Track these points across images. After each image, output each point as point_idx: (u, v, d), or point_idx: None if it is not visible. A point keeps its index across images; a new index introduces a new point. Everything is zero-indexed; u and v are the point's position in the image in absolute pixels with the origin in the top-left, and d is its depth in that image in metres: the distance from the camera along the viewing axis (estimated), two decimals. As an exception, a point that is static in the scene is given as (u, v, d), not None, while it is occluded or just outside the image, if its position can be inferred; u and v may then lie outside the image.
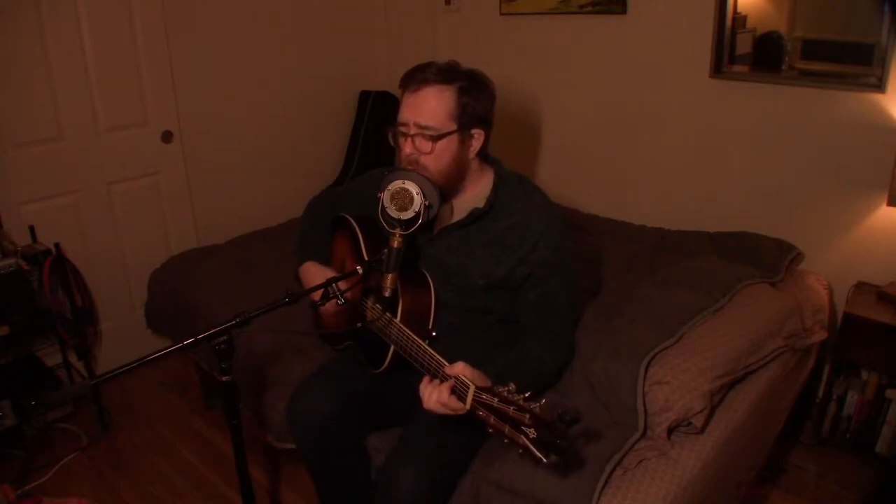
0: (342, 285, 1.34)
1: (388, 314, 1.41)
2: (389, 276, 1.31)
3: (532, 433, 1.00)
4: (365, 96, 3.43)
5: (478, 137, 1.47)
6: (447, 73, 1.42)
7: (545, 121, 2.91)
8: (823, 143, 2.17)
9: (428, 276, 1.51)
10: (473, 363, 1.25)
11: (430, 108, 1.40)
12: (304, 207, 1.89)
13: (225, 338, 1.20)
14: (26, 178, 2.41)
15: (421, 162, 1.42)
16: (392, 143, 1.49)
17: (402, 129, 1.44)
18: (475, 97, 1.43)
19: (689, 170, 2.53)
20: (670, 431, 1.50)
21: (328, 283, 1.32)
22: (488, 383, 1.20)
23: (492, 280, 1.48)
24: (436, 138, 1.40)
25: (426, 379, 1.24)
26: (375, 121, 3.40)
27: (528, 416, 1.01)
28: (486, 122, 1.48)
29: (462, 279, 1.50)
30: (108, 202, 2.66)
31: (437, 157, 1.42)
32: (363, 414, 1.58)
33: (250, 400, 1.90)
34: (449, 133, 1.41)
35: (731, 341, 1.67)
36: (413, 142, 1.42)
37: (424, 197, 1.34)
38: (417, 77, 1.42)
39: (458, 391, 1.16)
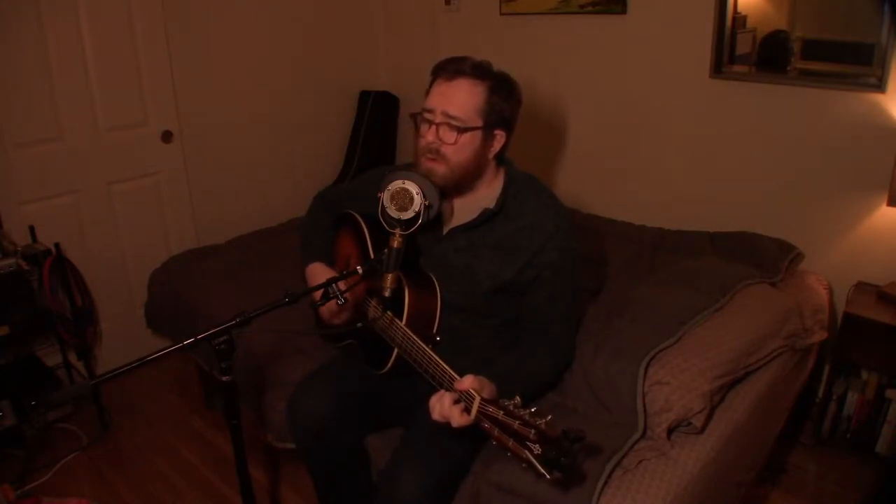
0: (343, 285, 1.34)
1: (388, 314, 1.41)
2: (389, 276, 1.31)
3: (536, 449, 1.00)
4: (365, 96, 3.44)
5: (499, 139, 1.47)
6: (481, 70, 1.43)
7: (545, 121, 2.90)
8: (823, 143, 2.17)
9: (434, 280, 1.50)
10: (474, 364, 1.24)
11: (460, 99, 1.40)
12: (303, 207, 1.89)
13: (225, 338, 1.19)
14: (26, 178, 2.40)
15: (441, 151, 1.41)
16: (415, 129, 1.48)
17: (428, 115, 1.43)
18: (504, 98, 1.44)
19: (689, 170, 2.53)
20: (670, 431, 1.50)
21: (328, 282, 1.32)
22: (494, 393, 1.20)
23: (498, 282, 1.47)
24: (461, 130, 1.40)
25: (436, 394, 1.22)
26: (375, 121, 3.40)
27: (533, 431, 1.00)
28: (508, 125, 1.47)
29: (468, 280, 1.49)
30: (108, 202, 2.66)
31: (458, 150, 1.41)
32: (363, 414, 1.58)
33: (250, 400, 1.90)
34: (474, 128, 1.41)
35: (731, 341, 1.67)
36: (437, 130, 1.41)
37: (424, 197, 1.33)
38: (452, 67, 1.42)
39: (464, 402, 1.16)
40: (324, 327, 1.74)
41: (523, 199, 1.51)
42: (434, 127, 1.41)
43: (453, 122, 1.40)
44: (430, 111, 1.43)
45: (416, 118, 1.47)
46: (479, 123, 1.41)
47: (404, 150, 3.53)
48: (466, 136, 1.41)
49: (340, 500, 1.66)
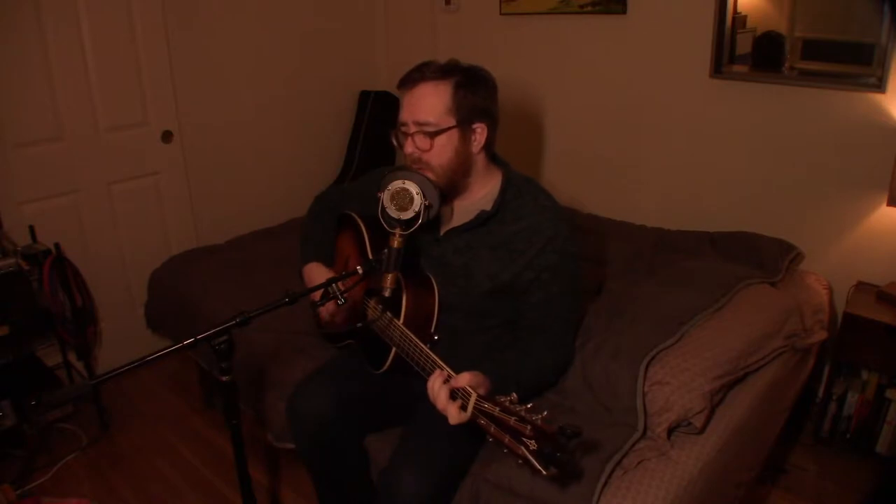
0: (342, 285, 1.34)
1: (388, 314, 1.41)
2: (389, 276, 1.30)
3: (532, 445, 1.00)
4: (365, 96, 3.44)
5: (480, 132, 1.44)
6: (443, 70, 1.42)
7: (545, 121, 2.91)
8: (823, 143, 2.17)
9: (432, 279, 1.50)
10: (474, 365, 1.24)
11: (426, 104, 1.39)
12: (303, 207, 1.89)
13: (225, 338, 1.19)
14: (26, 178, 2.41)
15: (423, 160, 1.41)
16: (397, 145, 1.48)
17: (403, 129, 1.44)
18: (472, 90, 1.41)
19: (690, 169, 2.53)
20: (670, 432, 1.50)
21: (328, 283, 1.32)
22: (490, 389, 1.20)
23: (497, 284, 1.47)
24: (433, 134, 1.39)
25: (433, 375, 1.23)
26: (375, 121, 3.40)
27: (529, 427, 1.01)
28: (488, 116, 1.45)
29: (466, 281, 1.49)
30: (108, 202, 2.66)
31: (437, 154, 1.40)
32: (362, 413, 1.58)
33: (250, 400, 1.90)
34: (448, 128, 1.40)
35: (731, 341, 1.67)
36: (413, 140, 1.41)
37: (424, 197, 1.33)
38: (413, 76, 1.42)
39: (461, 398, 1.16)
40: (323, 327, 1.74)
41: (521, 201, 1.50)
42: (410, 138, 1.42)
43: (425, 129, 1.39)
44: (403, 124, 1.43)
45: (396, 135, 1.47)
46: (452, 122, 1.40)
47: (404, 150, 3.53)
48: (441, 139, 1.40)
49: (340, 500, 1.66)
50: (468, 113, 1.42)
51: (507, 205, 1.49)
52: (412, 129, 1.41)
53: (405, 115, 1.42)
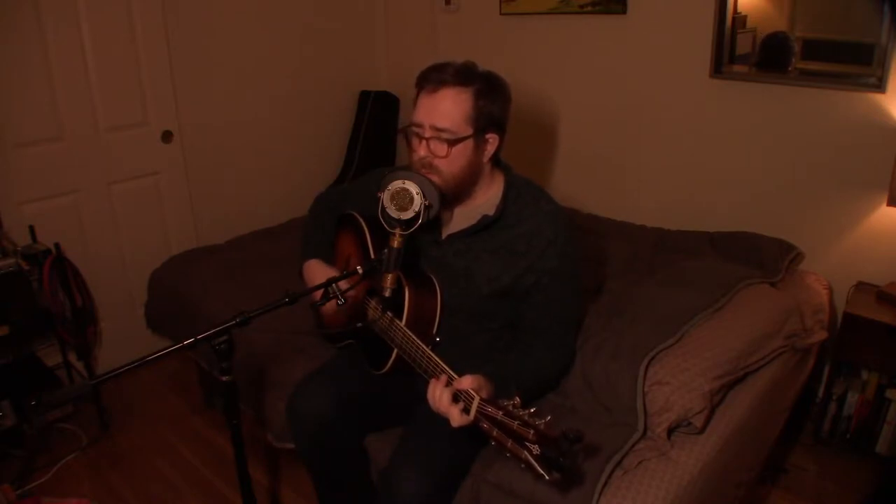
0: (343, 285, 1.34)
1: (388, 314, 1.40)
2: (389, 276, 1.30)
3: (535, 449, 1.00)
4: (365, 96, 3.44)
5: (492, 142, 1.44)
6: (465, 75, 1.38)
7: (545, 121, 2.91)
8: (823, 143, 2.17)
9: (435, 281, 1.49)
10: (475, 366, 1.24)
11: (447, 110, 1.36)
12: (303, 207, 1.89)
13: (225, 338, 1.19)
14: (26, 178, 2.41)
15: (434, 165, 1.39)
16: (407, 145, 1.46)
17: (417, 130, 1.40)
18: (491, 100, 1.40)
19: (689, 170, 2.53)
20: (670, 432, 1.50)
21: (328, 283, 1.32)
22: (492, 392, 1.20)
23: (497, 287, 1.46)
24: (452, 142, 1.36)
25: (433, 381, 1.23)
26: (375, 121, 3.40)
27: (532, 432, 1.00)
28: (500, 127, 1.44)
29: (467, 284, 1.48)
30: (108, 202, 2.66)
31: (451, 162, 1.38)
32: (362, 413, 1.58)
33: (250, 400, 1.90)
34: (465, 138, 1.37)
35: (731, 341, 1.67)
36: (428, 145, 1.38)
37: (424, 197, 1.32)
38: (434, 77, 1.38)
39: (463, 401, 1.16)
40: (324, 327, 1.74)
41: (522, 204, 1.49)
42: (424, 142, 1.39)
43: (443, 135, 1.36)
44: (418, 126, 1.40)
45: (406, 133, 1.44)
46: (470, 131, 1.38)
47: (404, 150, 3.52)
48: (458, 147, 1.37)
49: (340, 500, 1.66)
50: (485, 123, 1.40)
51: (508, 209, 1.48)
52: (428, 132, 1.38)
53: (422, 116, 1.38)
